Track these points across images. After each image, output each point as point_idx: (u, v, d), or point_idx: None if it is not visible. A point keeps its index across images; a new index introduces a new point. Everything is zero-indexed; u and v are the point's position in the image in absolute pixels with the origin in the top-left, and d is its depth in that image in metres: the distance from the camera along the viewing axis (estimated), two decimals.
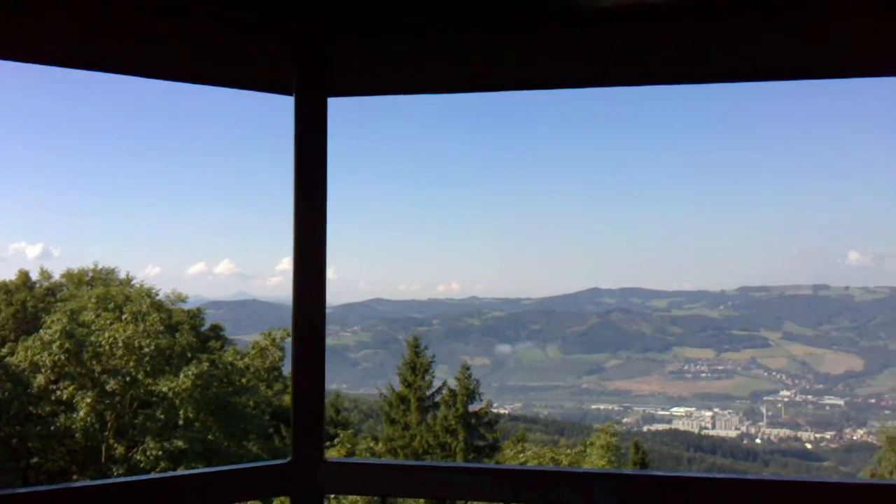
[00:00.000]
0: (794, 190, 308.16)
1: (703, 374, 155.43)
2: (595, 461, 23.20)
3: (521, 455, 23.87)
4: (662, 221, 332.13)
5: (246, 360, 30.11)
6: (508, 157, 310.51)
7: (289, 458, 2.78)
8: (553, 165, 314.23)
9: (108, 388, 25.79)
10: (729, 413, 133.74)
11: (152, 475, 2.66)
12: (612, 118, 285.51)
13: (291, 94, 2.80)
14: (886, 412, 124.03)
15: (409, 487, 2.95)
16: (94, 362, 25.79)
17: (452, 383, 32.39)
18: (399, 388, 32.49)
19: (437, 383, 32.81)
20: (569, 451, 24.36)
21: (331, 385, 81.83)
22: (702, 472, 2.66)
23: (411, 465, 2.87)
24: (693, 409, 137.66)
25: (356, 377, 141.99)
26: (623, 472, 2.77)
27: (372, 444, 28.88)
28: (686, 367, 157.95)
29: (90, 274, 35.31)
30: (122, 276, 34.89)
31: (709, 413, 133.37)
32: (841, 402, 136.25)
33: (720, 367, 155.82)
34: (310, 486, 2.77)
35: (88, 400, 25.24)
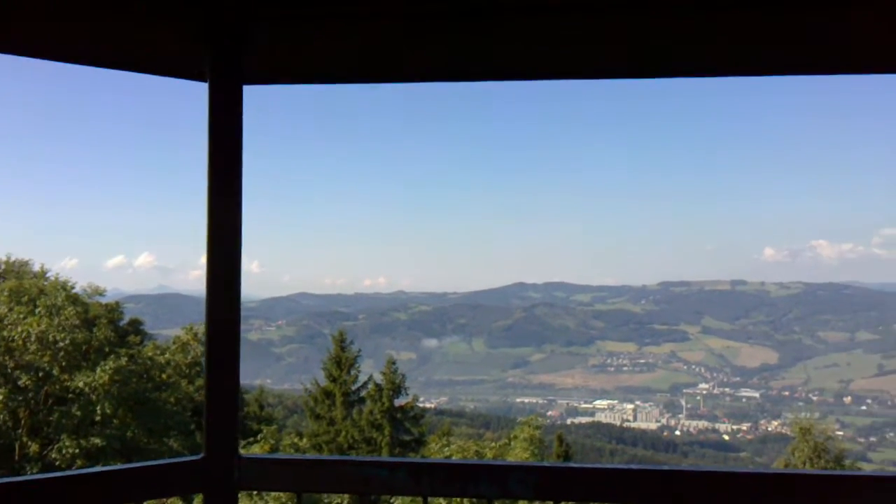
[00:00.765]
0: (712, 187, 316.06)
1: (625, 368, 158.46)
2: (519, 454, 23.41)
3: (446, 449, 23.93)
4: (587, 217, 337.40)
5: (167, 355, 29.51)
6: (436, 152, 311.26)
7: (202, 455, 2.71)
8: (480, 161, 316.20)
9: (21, 383, 24.97)
10: (650, 406, 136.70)
11: (58, 473, 2.54)
12: (540, 113, 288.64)
13: (206, 81, 2.72)
14: (799, 404, 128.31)
15: (325, 483, 2.91)
16: (6, 357, 24.94)
17: (378, 378, 32.29)
18: (324, 383, 32.25)
19: (362, 378, 32.69)
20: (493, 444, 24.53)
21: (255, 380, 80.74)
22: (614, 464, 2.70)
23: (328, 461, 2.83)
24: (615, 401, 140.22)
25: (281, 372, 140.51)
26: (538, 464, 2.79)
27: (296, 440, 28.59)
28: (609, 361, 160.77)
29: (2, 266, 34.07)
30: (37, 268, 33.76)
31: (630, 406, 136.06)
32: (756, 394, 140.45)
33: (641, 361, 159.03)
34: (224, 482, 2.71)
35: (0, 397, 24.40)
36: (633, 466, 2.67)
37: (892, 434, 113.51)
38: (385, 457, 27.41)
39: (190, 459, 2.75)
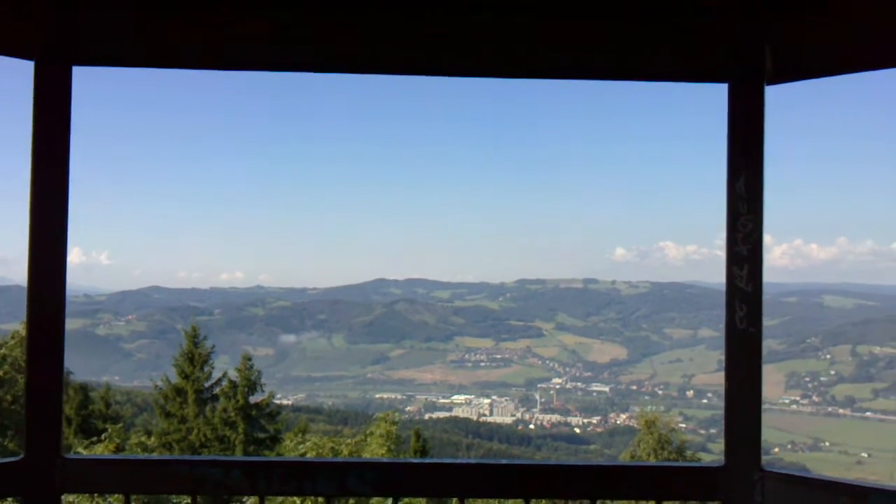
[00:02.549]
0: (569, 187, 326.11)
1: (483, 363, 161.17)
2: (375, 450, 23.42)
3: (301, 446, 23.63)
4: (448, 214, 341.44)
5: (4, 350, 27.87)
6: (295, 145, 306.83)
7: (21, 456, 2.56)
8: (340, 157, 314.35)
9: None
10: (506, 400, 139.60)
11: None
12: (410, 107, 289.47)
13: (32, 60, 2.57)
14: (646, 397, 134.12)
15: (156, 484, 2.81)
16: None
17: (233, 374, 31.58)
18: (176, 379, 31.24)
19: (216, 374, 31.88)
20: (350, 440, 24.42)
21: (102, 377, 77.25)
22: (452, 459, 2.74)
23: (158, 461, 2.73)
24: (472, 396, 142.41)
25: (130, 369, 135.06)
26: (377, 461, 2.80)
27: (144, 439, 27.53)
28: (467, 357, 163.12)
29: None
30: None
31: (487, 400, 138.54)
32: (606, 388, 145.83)
33: (498, 357, 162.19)
34: (45, 485, 2.56)
35: None
36: (470, 461, 2.72)
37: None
38: (220, 456, 26.86)
39: (7, 461, 2.59)
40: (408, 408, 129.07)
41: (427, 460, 2.78)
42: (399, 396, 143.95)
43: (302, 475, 2.67)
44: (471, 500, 2.79)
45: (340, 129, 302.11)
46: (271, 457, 24.32)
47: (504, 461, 2.75)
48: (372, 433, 24.67)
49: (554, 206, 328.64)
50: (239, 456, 26.44)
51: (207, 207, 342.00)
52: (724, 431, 2.75)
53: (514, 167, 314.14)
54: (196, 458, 2.89)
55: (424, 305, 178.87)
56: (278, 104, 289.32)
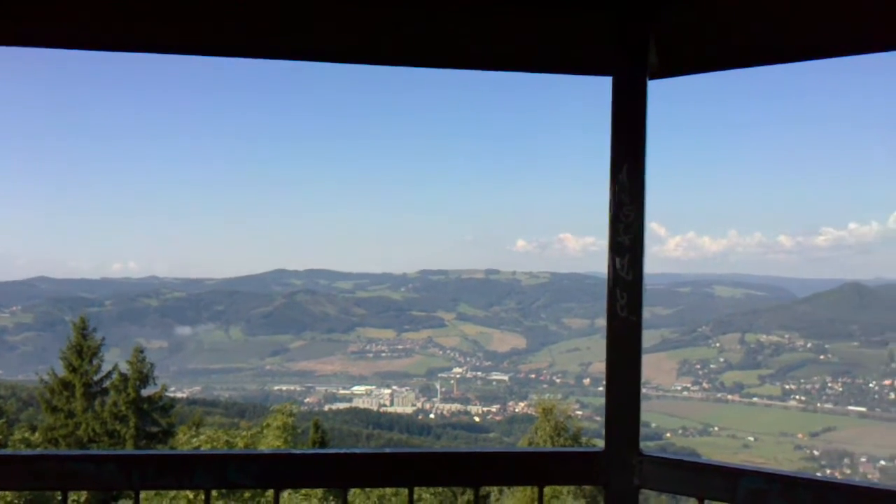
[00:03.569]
0: (471, 178, 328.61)
1: (384, 354, 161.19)
2: (271, 442, 23.11)
3: (195, 440, 23.13)
4: (349, 205, 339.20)
5: None
6: (191, 131, 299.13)
7: None
8: (244, 146, 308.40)
9: None
10: (406, 390, 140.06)
11: None
12: (317, 101, 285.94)
13: None
14: (544, 386, 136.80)
15: (22, 480, 2.69)
16: None
17: (124, 367, 30.69)
18: (63, 373, 30.13)
19: (106, 367, 30.92)
20: (245, 433, 24.03)
21: None
22: (337, 449, 2.71)
23: (24, 456, 2.60)
24: (373, 387, 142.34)
25: (14, 362, 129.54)
26: (259, 452, 2.75)
27: (28, 435, 26.48)
28: (368, 347, 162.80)
29: None
30: None
31: (388, 391, 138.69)
32: (506, 377, 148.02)
33: (400, 347, 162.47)
34: None
35: None
36: (354, 450, 2.70)
37: None
38: (93, 450, 26.09)
39: None
40: (307, 399, 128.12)
41: (310, 451, 2.75)
42: (299, 388, 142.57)
43: (180, 468, 2.60)
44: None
45: (239, 119, 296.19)
46: (149, 450, 23.74)
47: (388, 450, 2.74)
48: (268, 425, 24.35)
49: (455, 199, 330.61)
50: (114, 450, 25.71)
51: (95, 196, 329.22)
52: (605, 417, 2.81)
53: (414, 159, 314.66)
54: (67, 452, 2.78)
55: (326, 296, 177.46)
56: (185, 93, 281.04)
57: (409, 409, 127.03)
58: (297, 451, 2.71)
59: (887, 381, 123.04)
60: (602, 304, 2.82)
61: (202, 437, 22.65)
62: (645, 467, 2.76)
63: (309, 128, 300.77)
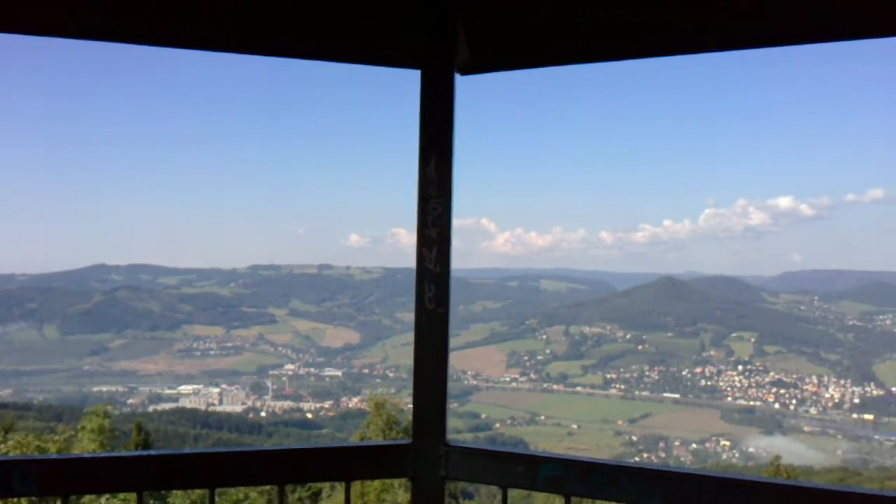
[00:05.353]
0: (303, 172, 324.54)
1: (213, 352, 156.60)
2: (86, 446, 21.96)
3: (2, 445, 21.62)
4: (176, 199, 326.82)
5: None
6: (35, 116, 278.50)
7: None
8: (64, 135, 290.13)
9: None
10: (236, 388, 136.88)
11: None
12: (155, 81, 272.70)
13: None
14: (377, 380, 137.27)
15: None
16: None
17: None
18: None
19: None
20: (58, 437, 22.68)
21: None
22: (130, 452, 2.58)
23: None
24: (201, 386, 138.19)
25: None
26: (45, 458, 2.58)
27: None
28: (195, 345, 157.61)
29: None
30: None
31: (216, 389, 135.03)
32: (339, 373, 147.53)
33: (229, 344, 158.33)
34: None
35: None
36: (151, 452, 2.59)
37: (455, 404, 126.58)
38: None
39: None
40: (130, 400, 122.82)
41: (102, 454, 2.59)
42: (120, 389, 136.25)
43: None
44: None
45: (35, 107, 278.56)
46: None
47: (187, 450, 2.64)
48: (83, 428, 23.09)
49: (287, 194, 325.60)
50: None
51: None
52: (412, 409, 2.82)
53: (241, 151, 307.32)
54: None
55: (149, 292, 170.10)
56: None
57: (238, 408, 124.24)
58: (88, 455, 2.56)
59: (698, 369, 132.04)
60: None
61: (10, 443, 21.20)
62: (451, 457, 2.79)
63: (126, 109, 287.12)
